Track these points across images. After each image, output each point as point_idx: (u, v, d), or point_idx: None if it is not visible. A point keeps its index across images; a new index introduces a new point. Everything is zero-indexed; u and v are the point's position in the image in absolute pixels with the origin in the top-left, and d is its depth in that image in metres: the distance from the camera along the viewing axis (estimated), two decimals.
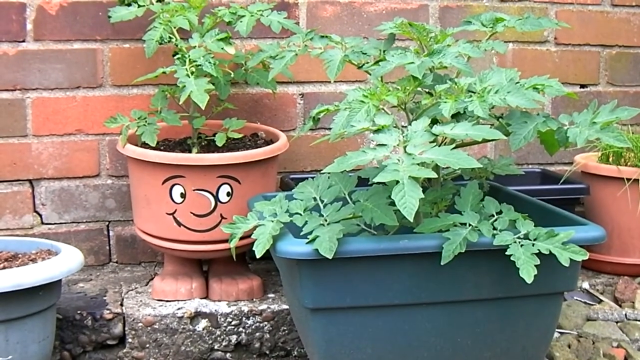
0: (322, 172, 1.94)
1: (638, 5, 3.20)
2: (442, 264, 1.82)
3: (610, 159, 2.89)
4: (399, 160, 1.72)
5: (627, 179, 2.76)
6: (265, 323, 2.45)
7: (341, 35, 2.35)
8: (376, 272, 1.89)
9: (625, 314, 2.58)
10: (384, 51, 2.20)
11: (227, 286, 2.50)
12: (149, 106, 2.56)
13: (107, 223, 2.84)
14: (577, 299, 2.72)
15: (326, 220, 1.92)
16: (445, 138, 1.97)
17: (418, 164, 1.70)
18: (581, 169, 2.92)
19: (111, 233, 2.84)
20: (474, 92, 1.95)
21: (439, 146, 1.84)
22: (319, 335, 1.96)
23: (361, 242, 1.88)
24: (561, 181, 2.81)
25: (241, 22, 2.47)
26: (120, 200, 2.81)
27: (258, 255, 1.87)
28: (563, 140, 1.96)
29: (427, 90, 2.03)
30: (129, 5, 2.53)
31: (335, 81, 2.72)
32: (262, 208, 2.02)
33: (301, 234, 1.90)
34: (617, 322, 2.56)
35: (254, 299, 2.51)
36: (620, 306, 2.69)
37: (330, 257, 1.79)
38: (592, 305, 2.69)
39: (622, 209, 2.80)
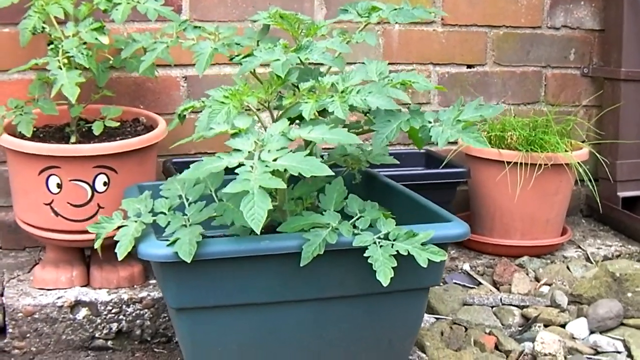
0: (178, 178, 1.93)
1: None
2: (301, 265, 1.83)
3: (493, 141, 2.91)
4: (252, 168, 1.71)
5: (507, 162, 2.78)
6: (146, 310, 2.45)
7: (225, 19, 2.32)
8: (239, 272, 1.88)
9: (501, 299, 2.60)
10: (258, 41, 2.18)
11: (107, 273, 2.50)
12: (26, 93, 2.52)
13: None
14: (455, 282, 2.75)
15: (188, 220, 1.92)
16: None
17: (271, 172, 1.69)
18: (465, 151, 2.94)
19: None
20: (338, 91, 1.94)
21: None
22: (185, 334, 1.97)
23: (222, 244, 1.86)
24: (443, 164, 2.83)
25: (117, 10, 2.42)
26: (3, 186, 2.76)
27: (120, 258, 1.85)
28: (427, 138, 1.96)
29: (295, 85, 2.01)
30: None
31: (219, 63, 2.72)
32: (127, 206, 2.00)
33: (164, 234, 1.89)
34: (492, 307, 2.58)
35: (135, 286, 2.51)
36: (498, 289, 2.73)
37: (189, 261, 1.78)
38: (470, 288, 2.72)
39: (502, 191, 2.83)
